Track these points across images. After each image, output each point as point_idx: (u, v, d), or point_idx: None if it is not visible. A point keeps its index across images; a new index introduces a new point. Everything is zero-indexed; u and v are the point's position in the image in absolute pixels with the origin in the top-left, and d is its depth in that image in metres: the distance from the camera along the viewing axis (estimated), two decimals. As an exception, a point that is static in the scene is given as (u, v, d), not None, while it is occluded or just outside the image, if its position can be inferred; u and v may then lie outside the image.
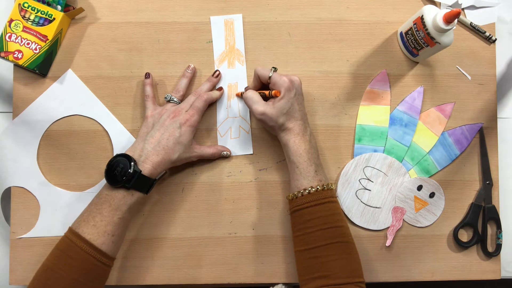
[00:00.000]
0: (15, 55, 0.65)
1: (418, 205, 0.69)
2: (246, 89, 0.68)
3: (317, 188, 0.59)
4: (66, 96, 0.69)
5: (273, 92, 0.62)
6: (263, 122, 0.62)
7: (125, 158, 0.59)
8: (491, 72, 0.71)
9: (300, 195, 0.59)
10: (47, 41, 0.66)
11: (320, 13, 0.70)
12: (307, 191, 0.59)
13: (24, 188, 0.68)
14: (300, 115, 0.62)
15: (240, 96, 0.68)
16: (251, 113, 0.67)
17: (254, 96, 0.62)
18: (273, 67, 0.63)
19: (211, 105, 0.69)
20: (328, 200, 0.59)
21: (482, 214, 0.70)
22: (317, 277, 0.57)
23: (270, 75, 0.62)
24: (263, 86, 0.66)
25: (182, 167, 0.68)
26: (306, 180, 0.60)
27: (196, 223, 0.69)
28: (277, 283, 0.68)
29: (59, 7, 0.66)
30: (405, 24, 0.67)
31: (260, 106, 0.61)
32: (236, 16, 0.70)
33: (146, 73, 0.68)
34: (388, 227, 0.69)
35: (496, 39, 0.70)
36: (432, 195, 0.69)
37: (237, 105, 0.69)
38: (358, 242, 0.68)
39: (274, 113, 0.60)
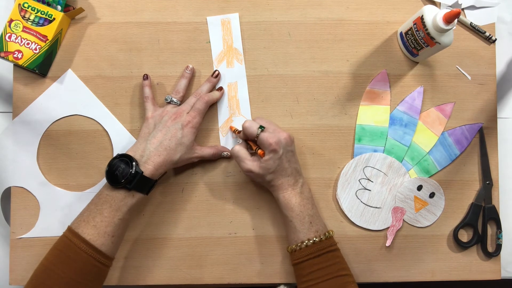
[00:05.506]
0: (15, 55, 0.65)
1: (418, 205, 0.69)
2: (237, 133, 0.66)
3: (314, 240, 0.59)
4: (66, 96, 0.69)
5: (259, 151, 0.61)
6: (251, 178, 0.62)
7: (126, 158, 0.58)
8: (491, 72, 0.71)
9: (298, 248, 0.59)
10: (47, 41, 0.66)
11: (320, 13, 0.70)
12: (304, 244, 0.59)
13: (24, 188, 0.68)
14: (290, 171, 0.61)
15: (233, 130, 0.68)
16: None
17: (240, 153, 0.62)
18: (260, 126, 0.61)
19: (212, 105, 0.69)
20: (327, 250, 0.59)
21: (482, 214, 0.70)
22: None
23: (257, 133, 0.61)
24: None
25: (182, 167, 0.68)
26: (302, 233, 0.59)
27: (196, 223, 0.69)
28: (278, 284, 0.68)
29: (59, 7, 0.66)
30: (405, 24, 0.67)
31: (246, 164, 0.61)
32: (232, 16, 0.69)
33: (144, 74, 0.68)
34: (388, 227, 0.69)
35: (496, 39, 0.70)
36: (432, 195, 0.69)
37: (238, 105, 0.69)
38: (358, 242, 0.69)
39: (260, 171, 0.60)
